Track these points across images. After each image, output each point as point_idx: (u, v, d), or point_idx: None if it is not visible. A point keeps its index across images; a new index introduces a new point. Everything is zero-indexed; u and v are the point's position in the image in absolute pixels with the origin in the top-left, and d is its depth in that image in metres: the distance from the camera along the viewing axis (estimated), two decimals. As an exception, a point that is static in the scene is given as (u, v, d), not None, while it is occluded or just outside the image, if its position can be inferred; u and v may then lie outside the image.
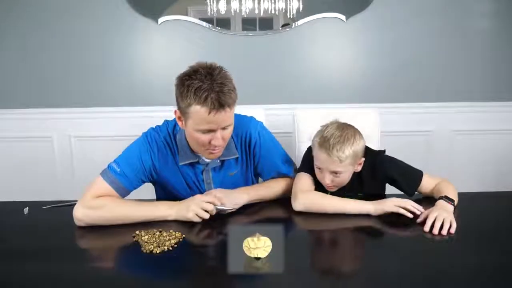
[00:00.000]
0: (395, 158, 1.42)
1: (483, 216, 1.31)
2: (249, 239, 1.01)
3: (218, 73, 1.20)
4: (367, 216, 1.26)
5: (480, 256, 1.03)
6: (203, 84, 1.17)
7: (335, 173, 1.31)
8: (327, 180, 1.32)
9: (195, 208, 1.21)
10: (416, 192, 1.39)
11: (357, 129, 1.35)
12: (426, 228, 1.15)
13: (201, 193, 1.34)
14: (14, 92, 2.34)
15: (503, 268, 0.98)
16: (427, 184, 1.37)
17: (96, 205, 1.23)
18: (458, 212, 1.22)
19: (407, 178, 1.38)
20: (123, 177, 1.29)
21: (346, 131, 1.31)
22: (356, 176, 1.39)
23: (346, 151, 1.27)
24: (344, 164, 1.29)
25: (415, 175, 1.38)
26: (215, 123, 1.21)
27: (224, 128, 1.24)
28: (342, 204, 1.28)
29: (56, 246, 1.12)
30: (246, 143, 1.41)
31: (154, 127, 1.40)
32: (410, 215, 1.20)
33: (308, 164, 1.40)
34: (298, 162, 1.76)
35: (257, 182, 1.53)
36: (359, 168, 1.37)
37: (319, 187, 1.38)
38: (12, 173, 2.39)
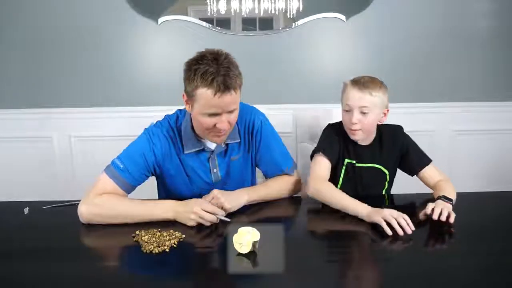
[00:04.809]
0: None
1: (483, 216, 1.31)
2: (235, 236, 1.03)
3: (224, 58, 1.23)
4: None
5: (480, 256, 1.03)
6: (210, 67, 1.20)
7: (363, 113, 1.37)
8: (354, 119, 1.38)
9: (195, 217, 1.21)
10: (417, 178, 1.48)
11: None
12: (428, 211, 1.20)
13: (202, 186, 1.33)
14: (14, 92, 2.34)
15: (503, 268, 0.98)
16: (431, 173, 1.45)
17: (99, 202, 1.24)
18: (458, 212, 1.22)
19: (418, 155, 1.49)
20: (126, 173, 1.30)
21: (376, 79, 1.42)
22: (377, 141, 1.48)
23: (377, 88, 1.38)
24: (373, 100, 1.37)
25: (425, 157, 1.49)
26: (220, 106, 1.23)
27: (230, 112, 1.26)
28: (344, 198, 1.29)
29: (56, 246, 1.12)
30: (249, 129, 1.43)
31: (155, 122, 1.41)
32: (390, 232, 1.12)
33: (328, 138, 1.47)
34: (298, 163, 1.76)
35: (256, 172, 1.55)
36: (384, 120, 1.45)
37: (331, 180, 1.43)
38: (12, 173, 2.39)
